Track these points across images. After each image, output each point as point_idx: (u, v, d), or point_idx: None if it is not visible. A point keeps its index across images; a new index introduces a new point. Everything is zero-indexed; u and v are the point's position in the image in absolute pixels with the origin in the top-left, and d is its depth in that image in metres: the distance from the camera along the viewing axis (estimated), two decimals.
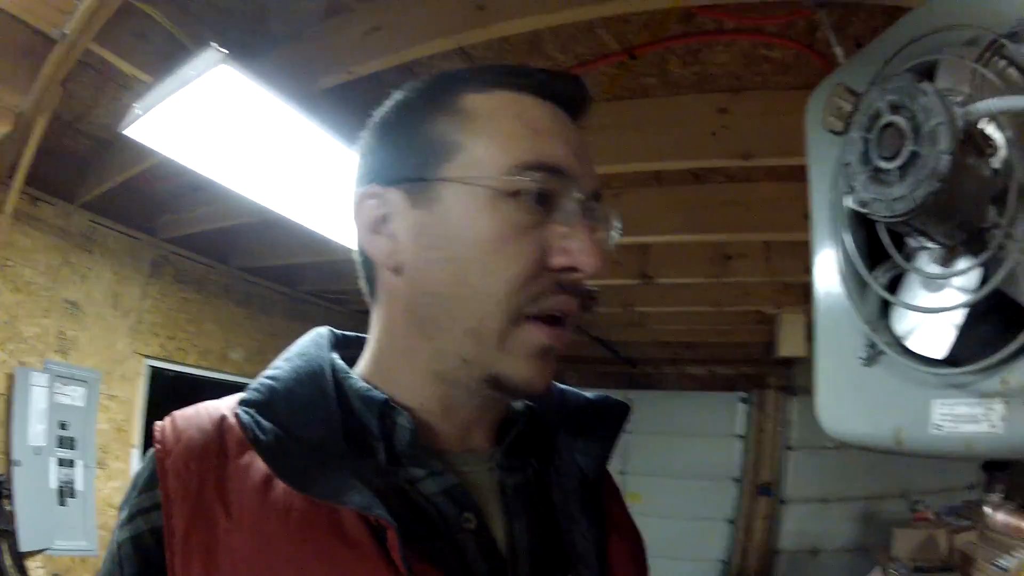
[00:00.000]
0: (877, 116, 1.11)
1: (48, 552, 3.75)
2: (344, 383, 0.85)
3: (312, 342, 0.92)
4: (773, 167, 3.17)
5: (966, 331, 1.17)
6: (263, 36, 2.59)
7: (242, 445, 0.78)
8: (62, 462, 3.92)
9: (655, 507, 7.63)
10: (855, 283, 1.38)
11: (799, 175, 3.28)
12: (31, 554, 3.65)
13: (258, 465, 0.76)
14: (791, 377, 7.83)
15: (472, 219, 0.79)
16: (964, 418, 1.15)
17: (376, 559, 0.71)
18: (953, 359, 1.17)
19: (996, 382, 1.11)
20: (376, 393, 0.82)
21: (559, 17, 2.17)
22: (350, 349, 0.92)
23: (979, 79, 1.11)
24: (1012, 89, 1.09)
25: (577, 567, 0.85)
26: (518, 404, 0.94)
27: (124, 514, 0.78)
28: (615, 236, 0.89)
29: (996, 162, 1.09)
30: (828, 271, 1.47)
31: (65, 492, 3.92)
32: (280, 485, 0.74)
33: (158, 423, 0.81)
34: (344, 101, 2.65)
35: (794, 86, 2.72)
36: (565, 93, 0.86)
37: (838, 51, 1.73)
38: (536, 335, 0.79)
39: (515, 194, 0.78)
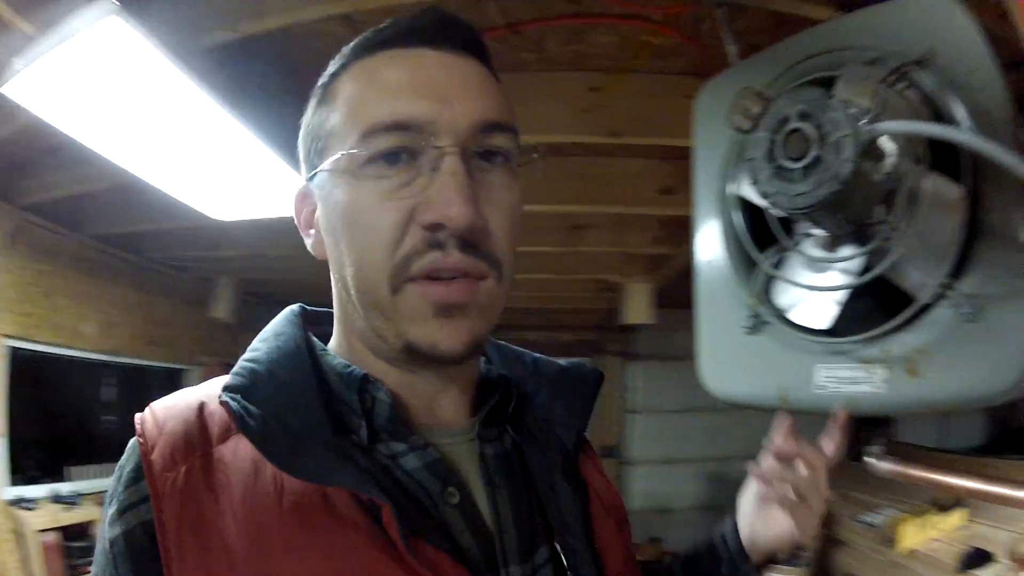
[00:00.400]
0: (785, 121, 1.24)
1: None
2: (321, 360, 0.87)
3: (286, 321, 0.92)
4: (634, 145, 3.27)
5: (847, 305, 1.36)
6: None
7: (225, 432, 0.79)
8: None
9: None
10: (741, 260, 1.56)
11: (658, 153, 3.49)
12: None
13: (244, 451, 0.77)
14: (631, 343, 8.03)
15: (340, 200, 0.80)
16: (847, 380, 1.36)
17: (373, 537, 0.73)
18: (833, 329, 1.38)
19: (877, 351, 1.31)
20: (355, 369, 0.84)
21: None
22: (320, 325, 0.94)
23: (881, 97, 1.26)
24: (911, 109, 1.28)
25: (564, 536, 0.87)
26: (492, 373, 0.96)
27: (112, 510, 0.77)
28: (532, 156, 0.87)
29: (886, 167, 1.26)
30: (711, 247, 1.66)
31: None
32: (269, 469, 0.75)
33: (138, 415, 0.81)
34: (223, 61, 2.55)
35: (671, 71, 2.82)
36: (426, 31, 0.83)
37: (731, 49, 1.85)
38: (418, 296, 0.78)
39: (367, 164, 0.78)
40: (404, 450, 0.82)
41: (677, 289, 5.31)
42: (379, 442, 0.82)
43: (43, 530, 4.06)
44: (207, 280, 5.97)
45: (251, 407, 0.78)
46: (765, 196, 1.27)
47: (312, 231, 0.89)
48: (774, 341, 1.48)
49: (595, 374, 1.02)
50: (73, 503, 4.43)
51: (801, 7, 2.01)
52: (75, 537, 4.32)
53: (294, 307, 0.95)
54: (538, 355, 1.02)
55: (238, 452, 0.77)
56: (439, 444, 0.84)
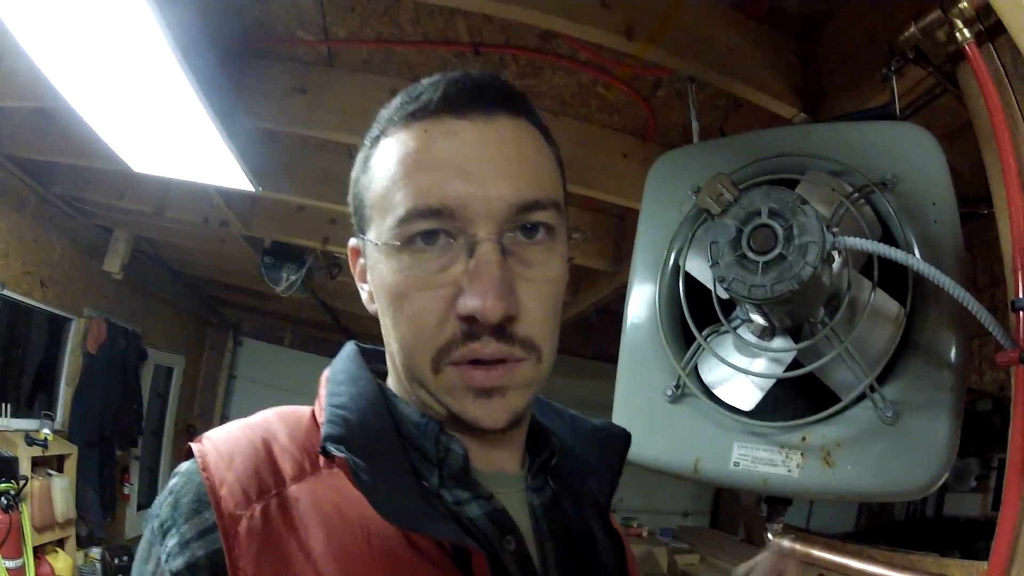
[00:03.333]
0: (756, 214, 1.28)
1: None
2: (393, 406, 0.87)
3: (356, 364, 0.91)
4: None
5: (770, 390, 1.45)
6: None
7: (300, 473, 0.79)
8: None
9: None
10: (673, 330, 1.62)
11: (578, 201, 3.53)
12: None
13: (324, 493, 0.77)
14: None
15: (382, 276, 0.81)
16: (763, 460, 1.44)
17: None
18: (754, 410, 1.46)
19: (797, 437, 1.41)
20: (431, 421, 0.84)
21: None
22: (372, 364, 0.93)
23: (842, 210, 1.37)
24: (865, 225, 1.38)
25: None
26: (536, 424, 0.96)
27: (172, 542, 0.74)
28: (576, 235, 0.87)
29: (834, 274, 1.35)
30: (642, 310, 1.69)
31: None
32: (353, 513, 0.75)
33: (196, 446, 0.80)
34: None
35: (613, 126, 2.86)
36: (455, 100, 0.80)
37: (695, 125, 1.89)
38: (459, 379, 0.79)
39: (407, 247, 0.78)
40: (468, 498, 0.83)
41: (560, 336, 5.39)
42: (444, 488, 0.83)
43: None
44: (104, 230, 5.72)
45: (358, 460, 0.78)
46: (722, 280, 1.31)
47: (366, 286, 0.90)
48: (695, 413, 1.53)
49: (625, 434, 1.02)
50: None
51: (763, 98, 2.07)
52: None
53: (354, 347, 0.95)
54: (574, 412, 1.04)
55: (317, 493, 0.77)
56: (496, 492, 0.86)
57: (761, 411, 1.46)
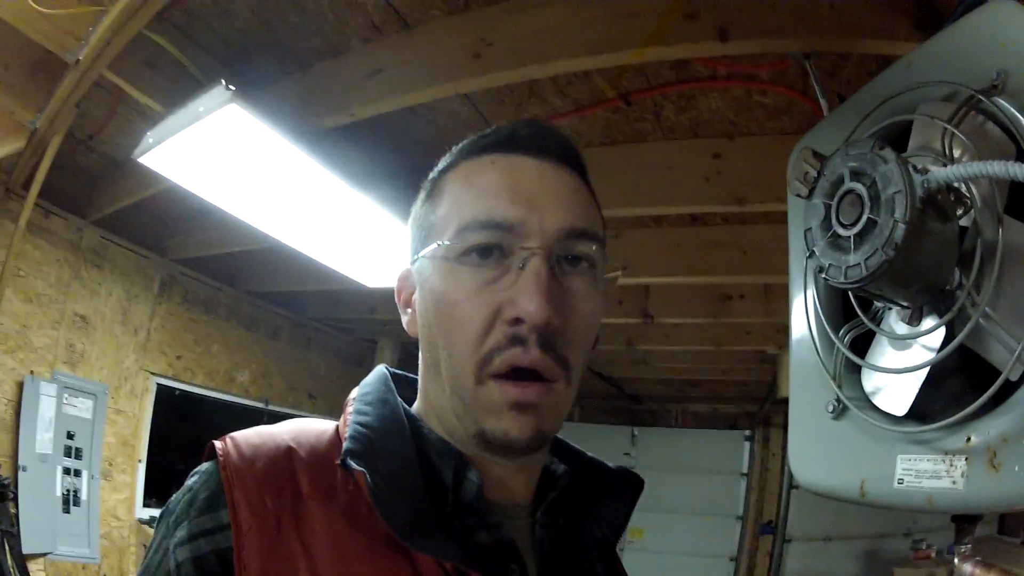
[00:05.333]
0: (840, 182, 1.12)
1: (50, 557, 3.80)
2: (418, 431, 0.90)
3: (386, 387, 0.95)
4: (766, 211, 3.19)
5: (936, 386, 1.18)
6: (269, 70, 2.67)
7: (316, 482, 0.81)
8: (68, 471, 3.96)
9: (657, 543, 7.69)
10: (823, 340, 1.40)
11: (780, 220, 3.33)
12: (33, 557, 3.68)
13: (336, 505, 0.79)
14: None
15: (435, 288, 0.86)
16: (927, 473, 1.17)
17: None
18: (922, 414, 1.19)
19: (960, 439, 1.13)
20: (453, 447, 0.88)
21: (555, 67, 2.20)
22: (402, 388, 0.97)
23: (950, 139, 1.13)
24: (990, 146, 1.10)
25: None
26: (558, 468, 0.98)
27: (182, 533, 0.77)
28: (614, 275, 0.90)
29: (967, 220, 1.09)
30: (801, 322, 1.49)
31: (70, 500, 3.95)
32: (361, 526, 0.78)
33: (218, 444, 0.82)
34: (348, 140, 2.73)
35: (787, 131, 2.75)
36: (527, 139, 0.89)
37: (823, 103, 1.75)
38: (498, 393, 0.81)
39: (462, 256, 0.83)
40: (478, 525, 0.85)
41: None
42: (456, 515, 0.85)
43: None
44: (369, 341, 6.22)
45: (377, 477, 0.80)
46: (821, 270, 1.15)
47: (409, 310, 0.95)
48: (856, 428, 1.32)
49: (638, 481, 1.03)
50: None
51: (885, 46, 1.90)
52: None
53: (385, 371, 0.99)
54: (592, 455, 1.05)
55: (330, 508, 0.79)
56: (506, 522, 0.88)
57: (924, 415, 1.19)
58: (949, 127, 1.13)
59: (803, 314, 1.48)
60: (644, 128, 2.83)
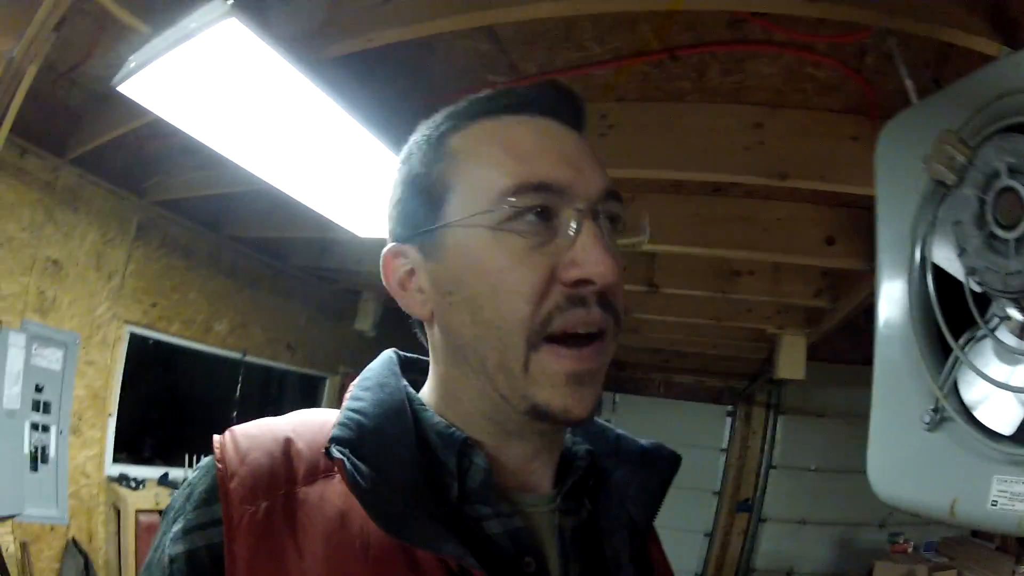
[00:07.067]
0: (995, 176, 1.09)
1: (18, 519, 3.67)
2: (420, 416, 0.87)
3: (388, 371, 0.92)
4: (797, 188, 3.06)
5: None
6: None
7: (312, 474, 0.79)
8: (36, 426, 3.80)
9: None
10: (928, 340, 1.34)
11: (822, 198, 3.23)
12: (1, 520, 3.58)
13: (331, 497, 0.77)
14: (780, 396, 7.76)
15: (474, 257, 0.81)
16: (1021, 496, 1.15)
17: None
18: (1014, 436, 1.18)
19: None
20: (456, 432, 0.84)
21: (604, 5, 2.04)
22: (411, 372, 0.94)
23: None
24: None
25: None
26: (579, 448, 0.95)
27: (177, 527, 0.76)
28: (641, 238, 0.92)
29: None
30: (894, 317, 1.45)
31: (38, 457, 3.82)
32: (356, 521, 0.75)
33: (217, 438, 0.82)
34: (352, 72, 2.49)
35: (834, 108, 2.61)
36: (549, 102, 0.87)
37: (910, 84, 1.67)
38: (557, 360, 0.79)
39: (509, 221, 0.80)
40: (489, 514, 0.82)
41: (827, 343, 5.07)
42: (466, 502, 0.82)
43: (144, 511, 4.23)
44: (352, 292, 6.08)
45: (360, 465, 0.77)
46: (972, 271, 1.13)
47: (412, 290, 0.89)
48: (953, 442, 1.29)
49: (674, 457, 1.01)
50: None
51: (964, 37, 1.80)
52: None
53: (391, 354, 0.96)
54: (621, 432, 1.02)
55: (325, 497, 0.78)
56: (523, 511, 0.85)
57: (1019, 435, 1.18)
58: None
59: (896, 307, 1.43)
60: (683, 87, 2.65)
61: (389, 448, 0.81)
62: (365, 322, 5.94)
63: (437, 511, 0.78)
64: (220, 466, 0.78)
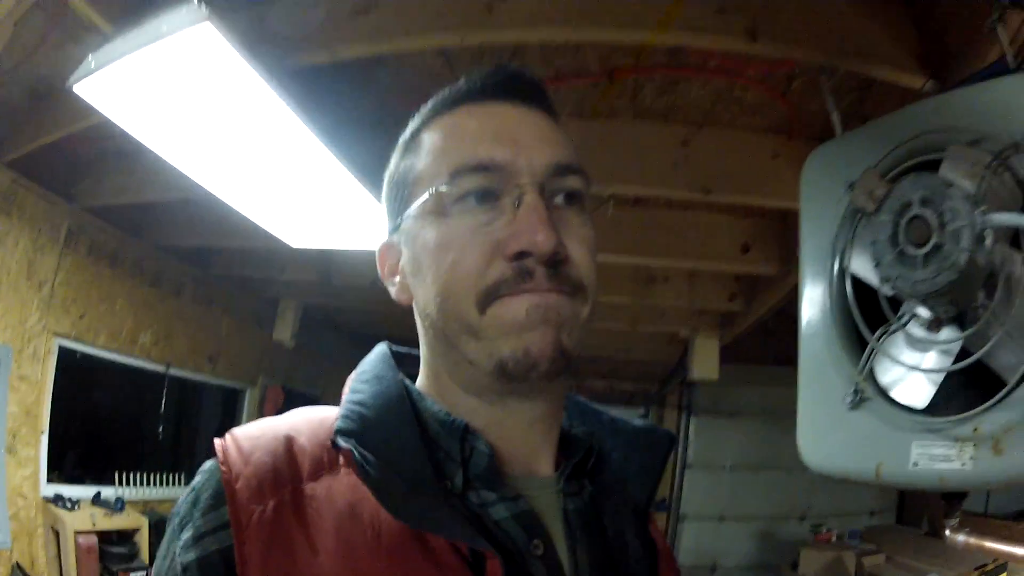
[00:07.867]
0: (908, 206, 1.32)
1: None
2: (419, 405, 0.87)
3: (384, 363, 0.93)
4: (730, 203, 3.26)
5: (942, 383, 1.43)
6: None
7: (318, 469, 0.79)
8: None
9: None
10: (846, 335, 1.60)
11: (739, 210, 3.43)
12: None
13: (340, 490, 0.77)
14: (692, 397, 7.91)
15: (426, 240, 0.84)
16: (939, 457, 1.42)
17: None
18: (928, 406, 1.44)
19: (969, 429, 1.38)
20: (457, 418, 0.84)
21: (568, 33, 2.17)
22: (404, 366, 0.95)
23: (986, 184, 1.32)
24: (1003, 193, 1.34)
25: None
26: (577, 431, 0.96)
27: (187, 535, 0.76)
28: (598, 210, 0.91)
29: (987, 253, 1.31)
30: (816, 317, 1.69)
31: None
32: (367, 511, 0.76)
33: (218, 441, 0.81)
34: (306, 80, 2.49)
35: (758, 128, 2.79)
36: (502, 86, 0.89)
37: (836, 117, 1.86)
38: (508, 310, 0.80)
39: (454, 204, 0.83)
40: (494, 499, 0.83)
41: (739, 345, 5.31)
42: (470, 489, 0.83)
43: (82, 532, 4.06)
44: (271, 301, 5.97)
45: (368, 455, 0.79)
46: (886, 280, 1.35)
47: (396, 278, 0.93)
48: (874, 417, 1.52)
49: (668, 436, 1.02)
50: (118, 509, 4.41)
51: (890, 72, 2.01)
52: (115, 542, 4.30)
53: (384, 348, 0.97)
54: (615, 414, 1.03)
55: (332, 491, 0.78)
56: (526, 494, 0.85)
57: (934, 406, 1.43)
58: (987, 174, 1.34)
59: (817, 309, 1.68)
60: (619, 105, 2.80)
61: (393, 438, 0.82)
62: (284, 332, 5.89)
63: (444, 498, 0.79)
64: (224, 468, 0.78)
